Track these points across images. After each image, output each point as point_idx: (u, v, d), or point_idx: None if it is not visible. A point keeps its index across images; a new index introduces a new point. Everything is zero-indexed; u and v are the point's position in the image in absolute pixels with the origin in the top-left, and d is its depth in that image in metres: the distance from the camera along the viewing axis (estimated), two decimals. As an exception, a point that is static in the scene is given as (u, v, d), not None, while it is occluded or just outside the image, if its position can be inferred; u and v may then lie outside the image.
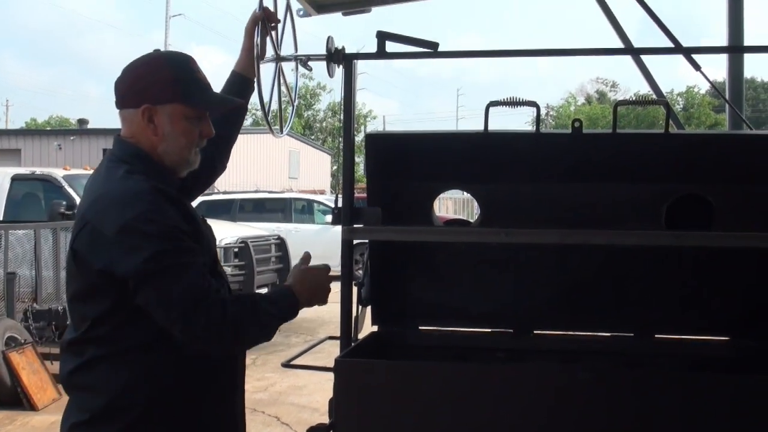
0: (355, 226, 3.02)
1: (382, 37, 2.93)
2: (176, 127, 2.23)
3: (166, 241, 2.06)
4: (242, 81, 2.74)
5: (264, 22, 2.77)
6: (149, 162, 2.23)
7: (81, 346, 2.19)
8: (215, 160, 2.63)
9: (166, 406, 2.16)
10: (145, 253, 2.03)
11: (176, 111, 2.23)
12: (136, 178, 2.16)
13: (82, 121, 33.34)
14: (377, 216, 3.08)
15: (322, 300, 2.37)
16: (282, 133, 3.07)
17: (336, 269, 2.65)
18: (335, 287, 2.44)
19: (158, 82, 2.22)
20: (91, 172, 12.64)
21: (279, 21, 2.84)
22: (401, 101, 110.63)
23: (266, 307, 2.19)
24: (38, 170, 12.27)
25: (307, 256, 2.44)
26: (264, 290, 8.28)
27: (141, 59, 2.29)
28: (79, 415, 2.19)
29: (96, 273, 2.09)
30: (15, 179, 11.79)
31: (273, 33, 2.84)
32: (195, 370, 2.19)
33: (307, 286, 2.32)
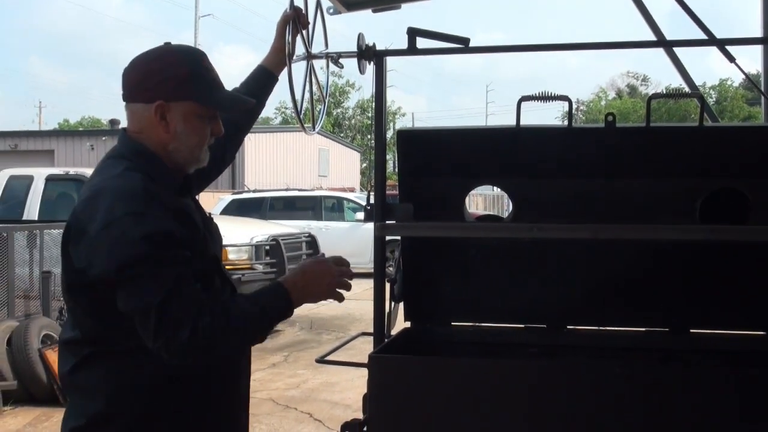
0: (387, 222, 3.02)
1: (413, 33, 2.92)
2: (189, 126, 2.17)
3: (150, 247, 1.96)
4: (267, 75, 2.75)
5: (295, 21, 2.77)
6: (152, 159, 2.17)
7: (77, 345, 2.13)
8: (226, 155, 2.62)
9: (163, 410, 2.11)
10: (124, 257, 1.95)
11: (190, 109, 2.17)
12: (133, 176, 2.07)
13: (113, 122, 33.76)
14: (409, 212, 3.07)
15: (321, 293, 2.23)
16: (314, 129, 3.08)
17: (368, 266, 2.65)
18: (367, 284, 2.42)
19: (173, 79, 2.14)
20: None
21: (309, 22, 2.83)
22: (429, 98, 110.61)
23: (254, 310, 2.07)
24: (71, 170, 12.43)
25: (321, 255, 2.41)
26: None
27: (153, 52, 2.21)
28: (77, 419, 2.16)
29: (77, 271, 2.04)
30: (49, 180, 11.95)
31: (303, 31, 2.84)
32: (191, 373, 2.12)
33: (302, 280, 2.19)
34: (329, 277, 2.23)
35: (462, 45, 2.93)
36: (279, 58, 2.75)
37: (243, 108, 2.38)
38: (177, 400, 2.13)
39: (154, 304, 1.93)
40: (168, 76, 2.15)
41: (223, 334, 1.99)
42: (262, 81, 2.74)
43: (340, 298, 2.28)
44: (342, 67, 3.08)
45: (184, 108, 2.16)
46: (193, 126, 2.18)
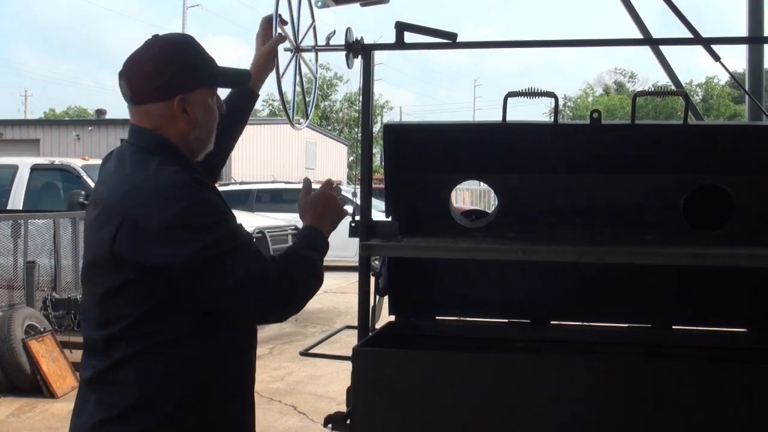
0: (372, 242, 3.00)
1: (401, 27, 2.92)
2: (206, 111, 2.21)
3: (216, 230, 2.05)
4: (248, 93, 2.74)
5: (279, 17, 2.79)
6: (176, 152, 2.18)
7: (111, 344, 2.10)
8: (221, 157, 2.64)
9: (196, 400, 2.13)
10: (197, 244, 2.01)
11: (204, 95, 2.20)
12: (172, 169, 2.09)
13: (99, 112, 33.54)
14: (394, 230, 3.07)
15: (337, 215, 2.42)
16: (302, 125, 3.08)
17: (353, 260, 2.66)
18: (352, 278, 2.45)
19: (183, 71, 2.15)
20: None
21: (286, 23, 2.86)
22: (417, 92, 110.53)
23: (310, 254, 2.27)
24: (57, 160, 12.36)
25: (307, 184, 2.47)
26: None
27: (150, 49, 2.18)
28: (106, 411, 2.11)
29: (140, 269, 2.02)
30: (34, 169, 11.88)
31: (291, 24, 2.85)
32: (225, 364, 2.19)
33: (318, 215, 2.37)
34: (333, 200, 2.41)
35: (449, 40, 2.93)
36: (258, 75, 2.77)
37: (244, 80, 2.45)
38: (205, 391, 2.16)
39: (246, 273, 2.06)
40: (178, 70, 2.15)
41: (306, 277, 2.23)
42: (241, 98, 2.72)
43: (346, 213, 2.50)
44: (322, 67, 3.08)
45: (200, 95, 2.19)
46: (209, 110, 2.23)
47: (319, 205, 2.38)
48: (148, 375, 2.09)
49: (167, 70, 2.14)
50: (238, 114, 2.70)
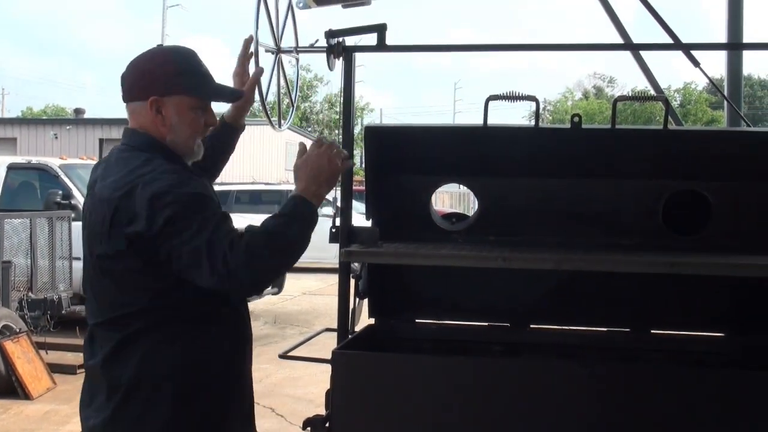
0: (352, 248, 2.99)
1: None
2: (182, 118, 2.34)
3: (194, 204, 2.16)
4: (232, 129, 2.85)
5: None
6: (164, 149, 2.33)
7: (116, 326, 2.26)
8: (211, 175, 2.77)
9: (195, 387, 2.26)
10: (169, 213, 2.12)
11: (182, 102, 2.33)
12: (158, 161, 2.25)
13: (78, 111, 33.28)
14: (375, 236, 3.08)
15: (330, 175, 2.39)
16: (282, 127, 3.07)
17: (333, 261, 2.65)
18: (332, 279, 2.42)
19: (164, 75, 2.31)
20: (87, 161, 12.54)
21: (262, 71, 2.87)
22: (398, 94, 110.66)
23: (281, 228, 2.23)
24: (34, 159, 12.22)
25: (301, 149, 2.46)
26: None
27: (146, 54, 2.38)
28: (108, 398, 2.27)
29: (128, 244, 2.17)
30: (11, 168, 11.74)
31: (273, 25, 2.84)
32: (218, 352, 2.31)
33: (305, 179, 2.36)
34: (324, 158, 2.37)
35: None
36: (239, 112, 2.84)
37: (231, 98, 2.55)
38: (206, 378, 2.28)
39: (204, 241, 2.11)
40: (160, 74, 2.32)
41: (271, 243, 2.18)
42: (227, 135, 2.84)
43: (351, 163, 2.56)
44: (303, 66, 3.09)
45: (177, 101, 2.33)
46: (186, 118, 2.34)
47: (307, 169, 2.38)
48: (144, 360, 2.23)
49: (151, 74, 2.33)
50: (219, 146, 2.80)
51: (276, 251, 2.20)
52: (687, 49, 3.29)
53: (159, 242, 2.14)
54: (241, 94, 2.62)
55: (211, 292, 2.17)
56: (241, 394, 2.42)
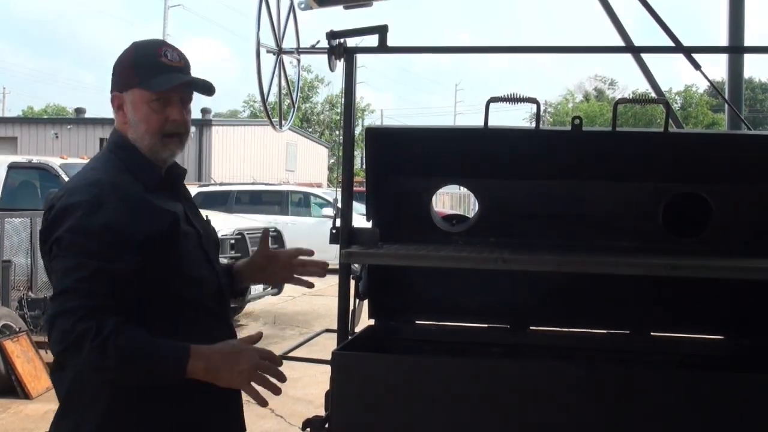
0: (352, 249, 2.98)
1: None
2: (138, 114, 2.22)
3: (88, 237, 2.03)
4: (236, 282, 2.64)
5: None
6: (132, 151, 2.23)
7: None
8: None
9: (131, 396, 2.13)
10: (62, 233, 2.04)
11: (137, 97, 2.22)
12: (109, 166, 2.19)
13: (79, 110, 33.28)
14: (375, 237, 3.07)
15: (230, 379, 2.10)
16: (282, 128, 3.07)
17: (333, 262, 2.65)
18: (332, 280, 2.40)
19: (123, 70, 2.24)
20: (87, 161, 12.64)
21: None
22: (399, 95, 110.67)
23: (139, 342, 2.01)
24: (35, 159, 12.24)
25: (256, 337, 2.27)
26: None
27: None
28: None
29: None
30: (12, 167, 11.76)
31: (275, 26, 2.84)
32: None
33: (215, 354, 2.09)
34: (244, 365, 2.12)
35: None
36: (251, 272, 2.66)
37: (180, 83, 2.26)
38: (135, 393, 2.13)
39: (60, 289, 2.02)
40: (119, 69, 2.26)
41: (98, 344, 1.95)
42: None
43: (256, 395, 2.16)
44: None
45: (133, 96, 2.22)
46: (140, 113, 2.22)
47: (226, 352, 2.12)
48: (77, 374, 2.14)
49: (115, 69, 2.26)
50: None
51: (122, 366, 1.99)
52: (688, 51, 3.29)
53: (52, 254, 2.09)
54: (188, 80, 2.28)
55: (144, 302, 2.08)
56: (197, 405, 2.23)
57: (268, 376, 2.16)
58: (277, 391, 2.19)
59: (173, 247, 2.18)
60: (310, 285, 2.65)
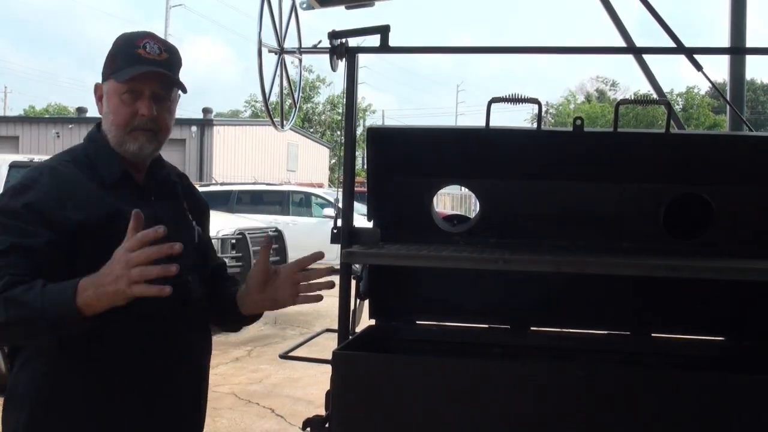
0: (353, 249, 2.97)
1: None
2: (109, 104, 2.22)
3: (2, 216, 2.03)
4: (233, 307, 2.49)
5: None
6: (99, 143, 2.24)
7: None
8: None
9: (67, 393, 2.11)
10: None
11: (111, 87, 2.21)
12: (60, 157, 2.24)
13: (80, 110, 33.30)
14: (376, 237, 3.07)
15: (107, 283, 1.87)
16: (284, 128, 3.07)
17: (334, 262, 2.64)
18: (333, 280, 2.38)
19: (106, 60, 2.25)
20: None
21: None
22: (400, 96, 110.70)
23: (28, 293, 1.91)
24: (36, 158, 12.22)
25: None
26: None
27: None
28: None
29: None
30: (13, 166, 11.74)
31: (277, 25, 2.84)
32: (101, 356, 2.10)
33: (96, 276, 1.91)
34: (117, 269, 1.87)
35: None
36: (252, 299, 2.45)
37: (152, 80, 2.19)
38: (63, 401, 2.11)
39: None
40: (104, 61, 2.26)
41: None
42: (230, 316, 2.55)
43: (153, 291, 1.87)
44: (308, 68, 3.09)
45: (107, 87, 2.23)
46: (112, 104, 2.21)
47: (105, 268, 1.91)
48: (16, 375, 2.16)
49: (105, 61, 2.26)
50: (222, 317, 2.57)
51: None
52: (690, 53, 3.29)
53: None
54: (149, 70, 2.18)
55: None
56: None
57: (150, 268, 1.86)
58: (169, 272, 1.86)
59: (111, 241, 1.95)
60: (319, 299, 2.37)
